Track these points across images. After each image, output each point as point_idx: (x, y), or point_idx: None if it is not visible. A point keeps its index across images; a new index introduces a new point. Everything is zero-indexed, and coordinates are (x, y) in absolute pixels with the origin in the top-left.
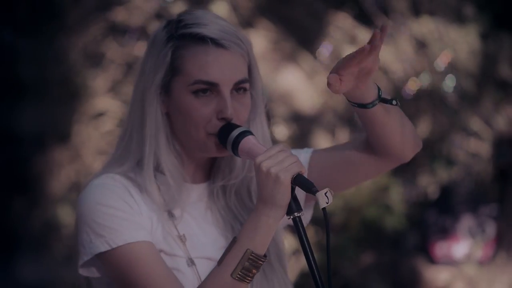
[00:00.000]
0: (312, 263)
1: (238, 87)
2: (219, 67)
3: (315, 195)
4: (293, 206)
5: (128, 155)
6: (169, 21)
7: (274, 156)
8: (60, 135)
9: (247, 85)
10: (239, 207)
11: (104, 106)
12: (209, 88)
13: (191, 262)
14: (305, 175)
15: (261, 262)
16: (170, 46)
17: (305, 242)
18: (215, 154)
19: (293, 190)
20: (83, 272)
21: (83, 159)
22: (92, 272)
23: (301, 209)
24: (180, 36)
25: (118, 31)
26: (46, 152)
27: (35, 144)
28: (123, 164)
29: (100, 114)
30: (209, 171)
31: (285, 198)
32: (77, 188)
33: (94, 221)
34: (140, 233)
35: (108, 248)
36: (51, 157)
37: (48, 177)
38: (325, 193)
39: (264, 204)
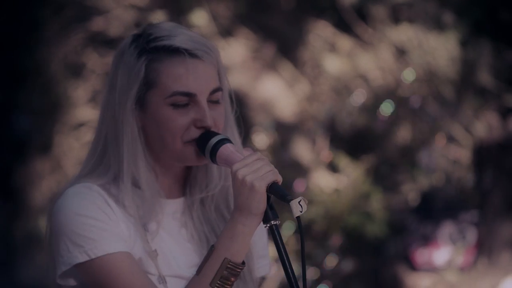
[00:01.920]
0: (289, 270)
1: (213, 97)
2: (195, 78)
3: (289, 204)
4: (270, 214)
5: (104, 168)
6: (136, 36)
7: (251, 164)
8: (41, 146)
9: (220, 94)
10: (217, 219)
11: (85, 117)
12: (188, 100)
13: (162, 279)
14: (280, 183)
15: (239, 270)
16: (143, 60)
17: (282, 250)
18: (194, 162)
19: (269, 198)
20: (60, 281)
21: (64, 170)
22: (69, 282)
23: (278, 217)
24: (153, 49)
25: (98, 41)
26: (27, 163)
27: (16, 155)
28: (99, 177)
29: (81, 125)
30: (184, 185)
31: (261, 206)
32: None
33: (73, 231)
34: (119, 243)
35: (87, 258)
36: (32, 168)
37: (29, 188)
38: (299, 202)
39: (240, 212)
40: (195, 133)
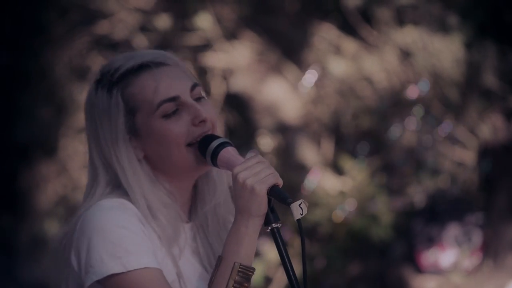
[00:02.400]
0: (291, 273)
1: (195, 94)
2: (169, 82)
3: (289, 207)
4: (271, 217)
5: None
6: (97, 81)
7: (251, 167)
8: (46, 150)
9: (200, 89)
10: (223, 231)
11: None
12: (176, 106)
13: None
14: (281, 186)
15: (250, 273)
16: (115, 93)
17: (284, 253)
18: (194, 167)
19: (270, 201)
20: None
21: (70, 173)
22: None
23: (279, 220)
24: (119, 79)
25: (103, 44)
26: (33, 166)
27: (21, 158)
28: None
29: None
30: (190, 211)
31: (261, 209)
32: (64, 202)
33: (110, 242)
34: (153, 259)
35: (123, 270)
36: (38, 172)
37: (35, 192)
38: (299, 205)
39: (241, 215)
40: (196, 131)
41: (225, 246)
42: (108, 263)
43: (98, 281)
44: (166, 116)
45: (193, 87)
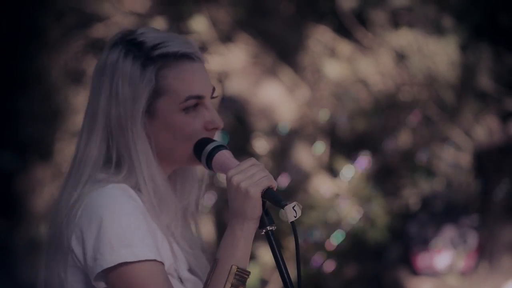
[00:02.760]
0: (286, 276)
1: (212, 97)
2: (201, 80)
3: (283, 209)
4: (265, 220)
5: (124, 179)
6: (127, 46)
7: (245, 170)
8: (42, 153)
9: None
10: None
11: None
12: (197, 102)
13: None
14: (275, 189)
15: (246, 276)
16: (151, 69)
17: (278, 256)
18: (188, 163)
19: (264, 204)
20: (99, 278)
21: None
22: (99, 285)
23: (273, 223)
24: (158, 57)
25: (98, 48)
26: (28, 170)
27: (17, 162)
28: (119, 178)
29: None
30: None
31: (256, 211)
32: None
33: (121, 229)
34: (158, 253)
35: (133, 259)
36: (34, 175)
37: (30, 195)
38: (293, 207)
39: (236, 218)
40: (205, 135)
41: (221, 249)
42: (118, 251)
43: (104, 270)
44: (187, 109)
45: (213, 91)
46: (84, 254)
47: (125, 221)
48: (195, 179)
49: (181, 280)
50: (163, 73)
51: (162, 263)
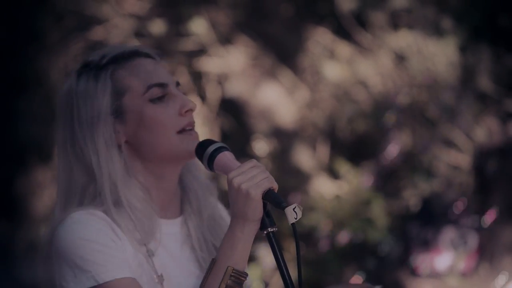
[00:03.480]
0: (287, 277)
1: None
2: (159, 72)
3: (284, 211)
4: (266, 222)
5: (96, 197)
6: (78, 71)
7: (246, 172)
8: (42, 156)
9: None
10: (215, 234)
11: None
12: (162, 93)
13: None
14: (276, 190)
15: (243, 278)
16: (104, 75)
17: (279, 257)
18: (182, 155)
19: (265, 205)
20: None
21: None
22: None
23: (275, 224)
24: (109, 61)
25: (98, 50)
26: (29, 172)
27: (18, 164)
28: (97, 204)
29: None
30: (181, 204)
31: (257, 213)
32: None
33: (80, 257)
34: (126, 269)
35: (94, 283)
36: (34, 178)
37: (31, 198)
38: (294, 209)
39: (237, 220)
40: (183, 120)
41: (220, 249)
42: (80, 278)
43: None
44: (153, 100)
45: (177, 84)
46: (54, 281)
47: (84, 247)
48: (207, 188)
49: None
50: (118, 74)
51: (131, 278)
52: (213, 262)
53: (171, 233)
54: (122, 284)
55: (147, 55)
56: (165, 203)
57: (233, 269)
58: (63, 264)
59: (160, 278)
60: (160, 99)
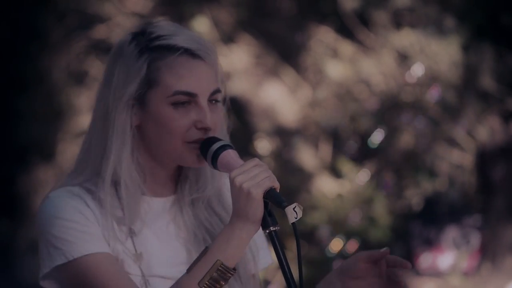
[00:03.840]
0: (289, 277)
1: (212, 98)
2: (197, 78)
3: (284, 210)
4: (268, 220)
5: (86, 166)
6: (136, 34)
7: (248, 171)
8: (44, 154)
9: (219, 95)
10: (209, 217)
11: (88, 124)
12: (188, 100)
13: (145, 281)
14: (278, 189)
15: (229, 275)
16: (144, 58)
17: (282, 256)
18: (194, 164)
19: (267, 204)
20: (43, 284)
21: None
22: (51, 284)
23: (277, 223)
24: (155, 48)
25: (100, 49)
26: (30, 171)
27: (19, 163)
28: (80, 175)
29: (84, 132)
30: (176, 183)
31: (258, 213)
32: None
33: (51, 234)
34: (97, 244)
35: (65, 260)
36: (35, 176)
37: (33, 196)
38: (294, 208)
39: (238, 218)
40: (196, 134)
41: (215, 242)
42: (52, 255)
43: (46, 274)
44: (175, 104)
45: (214, 92)
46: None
47: (57, 225)
48: (204, 172)
49: (142, 283)
50: (157, 65)
51: (104, 253)
52: (205, 251)
53: (158, 211)
54: (92, 259)
55: (195, 56)
56: (160, 182)
57: (222, 264)
58: (40, 243)
59: (139, 256)
60: (183, 104)
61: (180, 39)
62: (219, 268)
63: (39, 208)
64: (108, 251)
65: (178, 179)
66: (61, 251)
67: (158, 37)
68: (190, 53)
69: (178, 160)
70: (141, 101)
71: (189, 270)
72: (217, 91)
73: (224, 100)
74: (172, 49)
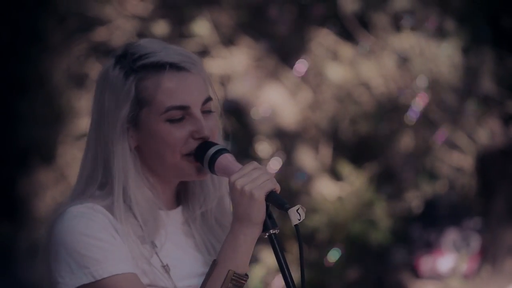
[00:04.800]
0: (289, 280)
1: (205, 107)
2: (186, 90)
3: (287, 212)
4: (269, 223)
5: (100, 191)
6: (119, 57)
7: (248, 173)
8: (45, 157)
9: (211, 103)
10: (217, 229)
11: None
12: (183, 114)
13: None
14: (279, 192)
15: (243, 281)
16: (131, 80)
17: (281, 259)
18: (194, 177)
19: (267, 207)
20: None
21: (68, 180)
22: None
23: (277, 226)
24: (139, 68)
25: (101, 51)
26: (31, 173)
27: (20, 165)
28: (99, 198)
29: (85, 135)
30: (179, 197)
31: (260, 215)
32: None
33: (77, 252)
34: (125, 265)
35: (92, 280)
36: (36, 179)
37: (33, 199)
38: (297, 210)
39: (240, 223)
40: (193, 144)
41: (221, 252)
42: (77, 274)
43: None
44: (171, 121)
45: (206, 101)
46: (50, 275)
47: (82, 243)
48: (210, 188)
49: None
50: (144, 84)
51: (131, 274)
52: (214, 264)
53: (175, 223)
54: (120, 280)
55: (180, 68)
56: (169, 196)
57: (234, 273)
58: (60, 259)
59: (166, 267)
60: (179, 120)
61: (163, 55)
62: (233, 277)
63: (56, 222)
64: (134, 271)
65: (180, 192)
66: (87, 270)
67: (141, 57)
68: (175, 67)
69: (178, 174)
70: (135, 123)
71: (202, 286)
72: (208, 99)
73: (219, 104)
74: (156, 66)
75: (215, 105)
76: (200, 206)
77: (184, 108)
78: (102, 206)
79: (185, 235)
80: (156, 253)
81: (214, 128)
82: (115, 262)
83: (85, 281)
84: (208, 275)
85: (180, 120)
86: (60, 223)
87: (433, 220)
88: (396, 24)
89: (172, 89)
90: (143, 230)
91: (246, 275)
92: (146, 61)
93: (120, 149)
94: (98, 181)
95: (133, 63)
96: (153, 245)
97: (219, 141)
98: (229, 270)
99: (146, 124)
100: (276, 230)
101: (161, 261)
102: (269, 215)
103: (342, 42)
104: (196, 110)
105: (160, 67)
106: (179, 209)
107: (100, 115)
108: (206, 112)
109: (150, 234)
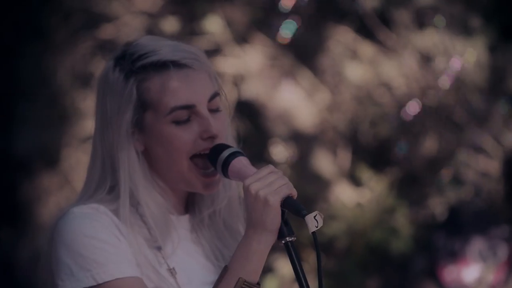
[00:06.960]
0: None
1: (212, 104)
2: (190, 88)
3: (304, 219)
4: (285, 230)
5: (108, 195)
6: (118, 58)
7: (264, 178)
8: (48, 160)
9: (218, 99)
10: (226, 233)
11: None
12: (189, 114)
13: None
14: (295, 197)
15: None
16: (132, 82)
17: (298, 268)
18: (201, 191)
19: (283, 213)
20: None
21: (73, 185)
22: None
23: (293, 233)
24: (139, 68)
25: (107, 49)
26: (33, 178)
27: (22, 170)
28: (107, 202)
29: (90, 137)
30: (187, 203)
31: (275, 221)
32: None
33: (79, 254)
34: (129, 268)
35: (93, 283)
36: (39, 184)
37: (36, 205)
38: (315, 217)
39: (254, 229)
40: (202, 144)
41: (233, 258)
42: (78, 276)
43: None
44: (177, 122)
45: (212, 97)
46: (52, 279)
47: (85, 244)
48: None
49: None
50: (145, 85)
51: (134, 278)
52: (225, 270)
53: (184, 228)
54: (123, 284)
55: (182, 66)
56: (176, 202)
57: (245, 281)
58: (60, 261)
59: (173, 271)
60: (185, 121)
61: (163, 53)
62: (243, 286)
63: (59, 222)
64: (138, 275)
65: (189, 198)
66: (89, 272)
67: (140, 57)
68: (177, 65)
69: (186, 186)
70: (140, 126)
71: None
72: (215, 95)
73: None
74: (157, 66)
75: (223, 102)
76: (208, 207)
77: (189, 107)
78: (110, 210)
79: (194, 242)
80: (163, 257)
81: (222, 127)
82: (118, 265)
83: (86, 284)
84: (218, 282)
85: (186, 121)
86: (62, 223)
87: (458, 227)
88: (419, 21)
89: (175, 89)
90: (151, 234)
91: (258, 284)
92: (145, 61)
93: (125, 154)
94: (107, 186)
95: (132, 64)
96: (161, 249)
97: (229, 141)
98: (239, 278)
99: (151, 127)
100: (292, 238)
101: (167, 264)
102: (285, 221)
103: (361, 40)
104: (203, 108)
105: (161, 66)
106: (187, 216)
107: (104, 120)
108: (213, 111)
109: (161, 238)
